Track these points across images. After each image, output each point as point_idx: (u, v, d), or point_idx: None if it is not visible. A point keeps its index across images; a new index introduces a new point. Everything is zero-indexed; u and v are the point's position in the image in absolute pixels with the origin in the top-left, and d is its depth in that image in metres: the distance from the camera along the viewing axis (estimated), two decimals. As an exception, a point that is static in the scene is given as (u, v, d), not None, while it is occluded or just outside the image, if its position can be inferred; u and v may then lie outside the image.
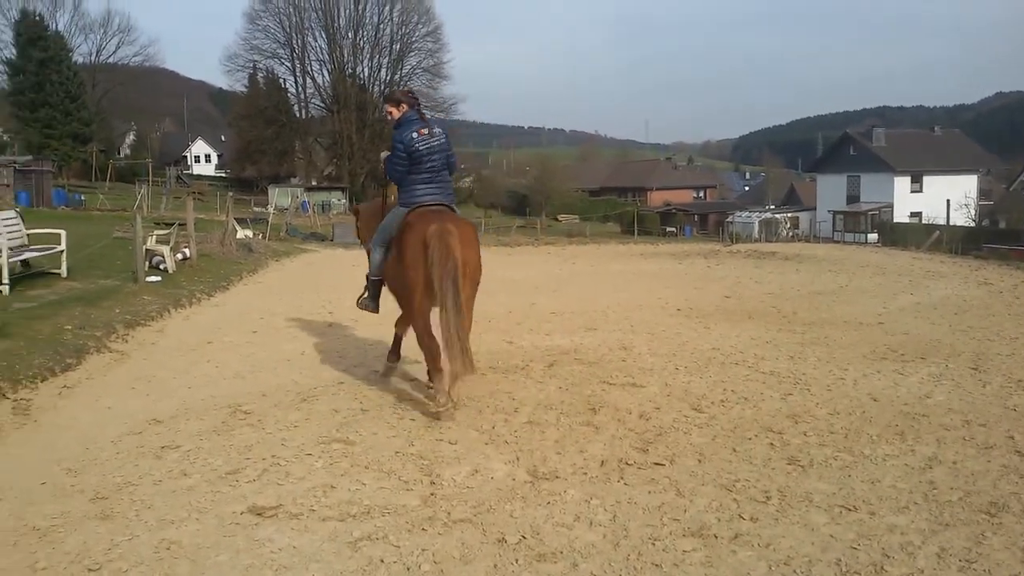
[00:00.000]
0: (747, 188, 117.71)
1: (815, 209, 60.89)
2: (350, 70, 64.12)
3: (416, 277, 6.31)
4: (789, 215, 60.79)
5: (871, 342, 9.45)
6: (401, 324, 7.37)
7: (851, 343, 9.43)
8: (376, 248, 6.89)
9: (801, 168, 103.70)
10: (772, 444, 5.66)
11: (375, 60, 64.62)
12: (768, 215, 59.88)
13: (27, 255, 12.42)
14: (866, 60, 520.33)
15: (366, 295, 7.16)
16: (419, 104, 6.98)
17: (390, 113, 6.88)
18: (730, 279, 17.50)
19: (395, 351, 7.55)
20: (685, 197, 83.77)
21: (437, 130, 6.77)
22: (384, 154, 7.04)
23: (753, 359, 8.46)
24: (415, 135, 6.59)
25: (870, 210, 54.90)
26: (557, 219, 67.02)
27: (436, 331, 6.25)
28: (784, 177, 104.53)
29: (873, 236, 49.40)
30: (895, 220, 51.95)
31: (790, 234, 54.37)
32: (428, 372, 6.81)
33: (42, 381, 7.24)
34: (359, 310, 7.44)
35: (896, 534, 4.19)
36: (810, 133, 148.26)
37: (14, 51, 59.41)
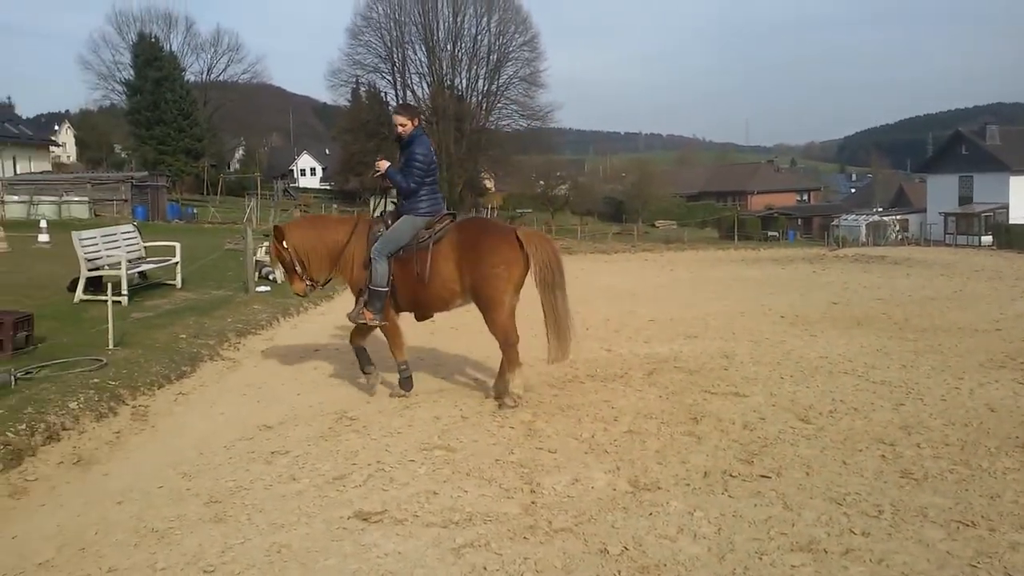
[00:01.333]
0: (853, 190, 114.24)
1: (925, 211, 58.50)
2: (448, 82, 64.84)
3: (512, 275, 6.82)
4: (898, 218, 58.55)
5: (988, 350, 9.06)
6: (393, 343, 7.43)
7: (966, 351, 9.06)
8: (382, 259, 6.94)
9: (910, 169, 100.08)
10: (884, 456, 5.47)
11: (473, 71, 65.15)
12: (876, 218, 57.81)
13: (144, 267, 12.99)
14: (979, 55, 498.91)
15: (364, 308, 7.07)
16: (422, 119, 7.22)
17: (403, 125, 7.05)
18: (837, 284, 17.02)
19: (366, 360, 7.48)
20: (788, 200, 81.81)
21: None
22: (385, 164, 7.14)
23: (863, 368, 8.22)
24: (431, 148, 7.06)
25: (984, 211, 52.34)
26: (654, 225, 66.40)
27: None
28: (892, 178, 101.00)
29: (987, 239, 47.31)
30: (1011, 221, 49.44)
31: (899, 237, 52.52)
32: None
33: (159, 388, 7.57)
34: (352, 322, 7.32)
35: (1020, 552, 3.99)
36: (920, 132, 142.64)
37: (132, 72, 62.42)
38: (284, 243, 7.30)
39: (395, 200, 7.40)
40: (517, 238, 6.89)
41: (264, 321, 11.19)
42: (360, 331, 7.39)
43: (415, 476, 5.21)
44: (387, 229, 7.06)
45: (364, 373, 7.47)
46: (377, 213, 7.52)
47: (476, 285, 6.84)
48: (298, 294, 7.54)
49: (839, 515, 4.47)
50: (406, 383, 7.33)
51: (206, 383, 8.06)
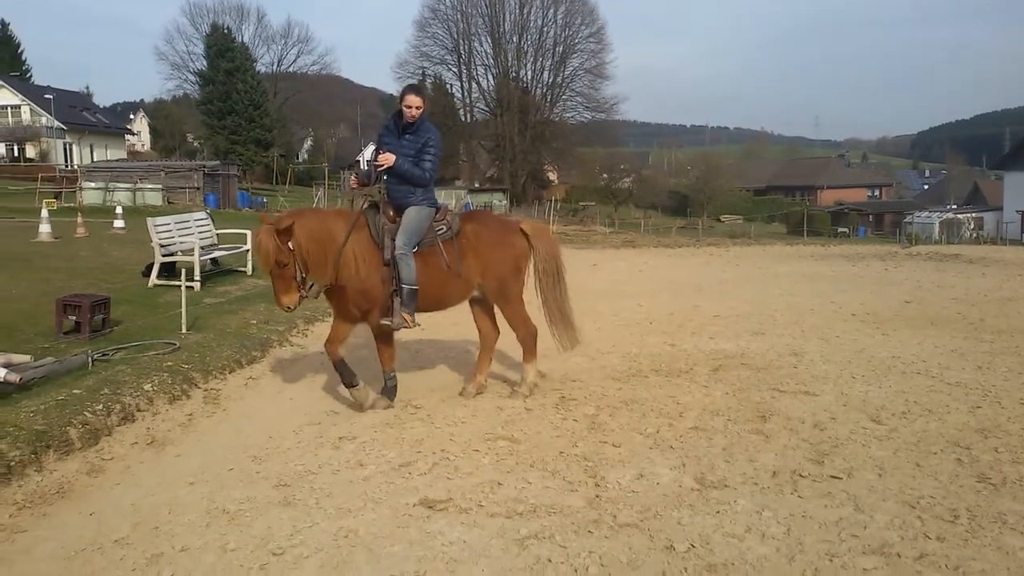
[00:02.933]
0: (926, 187, 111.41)
1: (1002, 209, 56.58)
2: (514, 74, 64.92)
3: (525, 267, 6.92)
4: (973, 215, 56.76)
5: (1071, 353, 8.72)
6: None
7: (1048, 354, 8.74)
8: (409, 255, 6.33)
9: (986, 165, 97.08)
10: (959, 460, 5.31)
11: (538, 63, 65.09)
12: (950, 215, 56.16)
13: (216, 254, 13.29)
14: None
15: (403, 310, 6.42)
16: None
17: (418, 108, 6.33)
18: (910, 283, 16.57)
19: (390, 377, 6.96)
20: (858, 196, 79.84)
21: None
22: (392, 157, 6.29)
23: (937, 368, 7.98)
24: (438, 134, 6.62)
25: (1065, 210, 50.46)
26: (719, 219, 65.48)
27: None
28: (967, 175, 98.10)
29: (1069, 238, 45.53)
30: (1094, 220, 47.58)
31: (974, 235, 50.91)
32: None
33: (230, 372, 7.74)
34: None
35: (1107, 565, 3.83)
36: (996, 128, 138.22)
37: (205, 63, 63.86)
38: (291, 243, 5.94)
39: (380, 191, 6.62)
40: (523, 231, 6.94)
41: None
42: (388, 348, 6.86)
43: (479, 466, 5.23)
44: (390, 223, 6.39)
45: (380, 394, 6.81)
46: (365, 205, 6.48)
47: (502, 280, 6.76)
48: (289, 308, 6.20)
49: (913, 519, 4.35)
50: (391, 392, 6.84)
51: (275, 368, 8.20)
